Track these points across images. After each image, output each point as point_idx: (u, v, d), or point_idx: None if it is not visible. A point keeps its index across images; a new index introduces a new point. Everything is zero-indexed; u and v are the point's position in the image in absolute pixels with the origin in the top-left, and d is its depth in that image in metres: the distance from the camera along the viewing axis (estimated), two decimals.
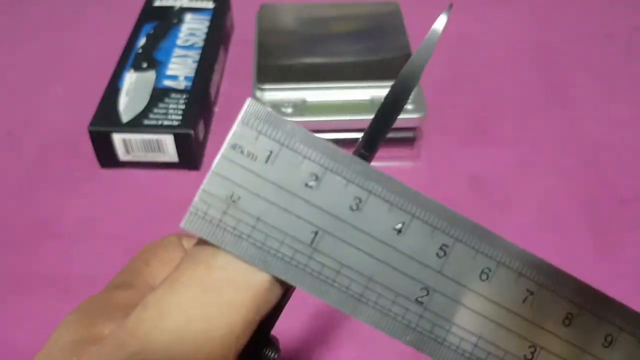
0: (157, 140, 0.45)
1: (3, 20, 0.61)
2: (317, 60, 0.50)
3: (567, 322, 0.18)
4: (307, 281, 0.17)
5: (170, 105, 0.46)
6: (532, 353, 0.18)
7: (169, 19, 0.55)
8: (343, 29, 0.54)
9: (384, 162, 0.44)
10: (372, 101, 0.46)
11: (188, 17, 0.55)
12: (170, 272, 0.17)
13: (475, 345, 0.18)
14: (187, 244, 0.22)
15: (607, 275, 0.40)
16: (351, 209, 0.17)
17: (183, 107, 0.46)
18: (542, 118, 0.51)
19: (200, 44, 0.52)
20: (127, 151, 0.46)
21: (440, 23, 0.19)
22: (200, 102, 0.47)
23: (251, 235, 0.17)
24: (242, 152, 0.17)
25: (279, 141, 0.17)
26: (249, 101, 0.17)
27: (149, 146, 0.45)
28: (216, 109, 0.52)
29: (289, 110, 0.46)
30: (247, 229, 0.17)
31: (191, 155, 0.46)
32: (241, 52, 0.56)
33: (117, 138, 0.45)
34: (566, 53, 0.58)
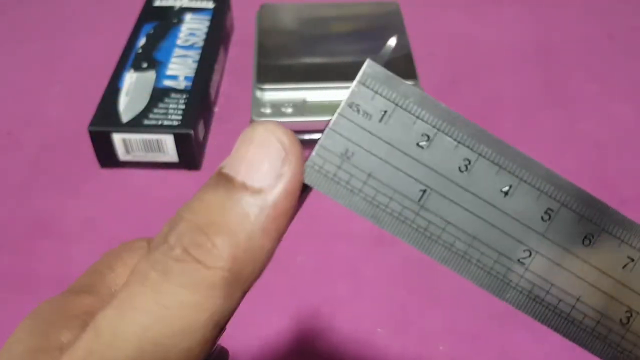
0: (157, 140, 0.45)
1: (3, 21, 0.61)
2: (317, 60, 0.50)
3: None
4: (413, 236, 0.18)
5: (170, 105, 0.46)
6: (628, 318, 0.18)
7: (169, 19, 0.55)
8: (343, 29, 0.54)
9: None
10: None
11: (188, 17, 0.55)
12: (121, 288, 0.17)
13: (573, 307, 0.18)
14: None
15: None
16: (460, 169, 0.18)
17: (183, 107, 0.46)
18: (542, 118, 0.51)
19: (200, 44, 0.52)
20: (127, 151, 0.46)
21: (392, 41, 0.19)
22: (200, 102, 0.47)
23: (362, 190, 0.18)
24: (357, 110, 0.18)
25: (394, 101, 0.18)
26: (367, 61, 0.18)
27: (149, 146, 0.45)
28: (216, 109, 0.52)
29: (289, 110, 0.46)
30: (359, 184, 0.18)
31: (191, 155, 0.46)
32: (241, 52, 0.56)
33: (117, 138, 0.45)
34: (566, 53, 0.58)
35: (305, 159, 0.18)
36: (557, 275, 0.18)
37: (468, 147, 0.18)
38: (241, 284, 0.17)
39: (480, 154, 0.18)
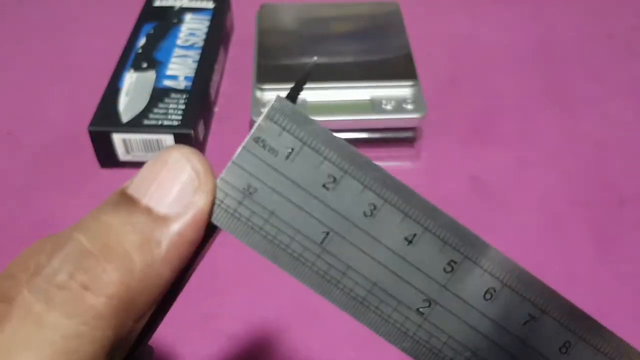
0: (157, 140, 0.45)
1: (2, 20, 0.61)
2: (318, 60, 0.50)
3: (563, 350, 0.18)
4: (312, 279, 0.18)
5: (170, 105, 0.46)
6: None
7: (169, 19, 0.55)
8: (343, 29, 0.54)
9: (383, 162, 0.44)
10: (372, 101, 0.46)
11: (188, 17, 0.55)
12: (3, 324, 0.15)
13: None
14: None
15: (608, 275, 0.40)
16: (365, 214, 0.17)
17: (183, 107, 0.46)
18: (542, 118, 0.51)
19: (200, 44, 0.52)
20: (127, 151, 0.46)
21: (313, 61, 0.19)
22: (200, 102, 0.47)
23: (263, 228, 0.17)
24: (264, 146, 0.17)
25: (302, 140, 0.17)
26: (276, 97, 0.17)
27: (149, 146, 0.45)
28: (216, 109, 0.52)
29: None
30: (260, 222, 0.17)
31: None
32: (241, 52, 0.56)
33: (117, 138, 0.45)
34: (566, 53, 0.58)
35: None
36: (456, 328, 0.18)
37: (374, 192, 0.17)
38: (133, 314, 0.16)
39: (385, 200, 0.17)
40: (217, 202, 0.17)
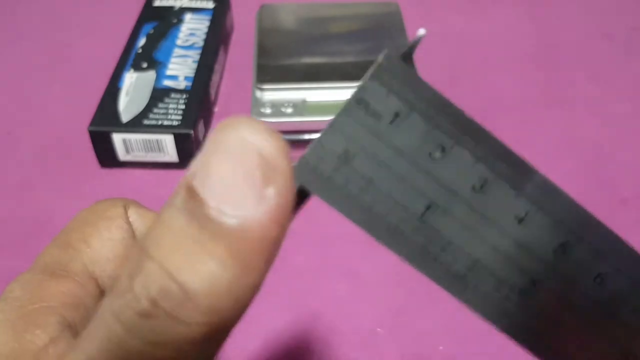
0: (157, 140, 0.45)
1: (1, 20, 0.61)
2: (317, 60, 0.50)
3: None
4: (409, 251, 0.16)
5: (170, 105, 0.46)
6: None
7: (169, 19, 0.55)
8: (343, 29, 0.54)
9: None
10: None
11: (188, 17, 0.55)
12: (84, 339, 0.14)
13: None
14: (135, 217, 0.19)
15: None
16: (473, 188, 0.16)
17: (183, 107, 0.46)
18: (542, 118, 0.51)
19: (200, 44, 0.52)
20: (127, 151, 0.46)
21: (422, 31, 0.17)
22: (200, 102, 0.47)
23: (359, 197, 0.16)
24: (366, 109, 0.15)
25: (410, 103, 0.15)
26: (385, 54, 0.15)
27: (149, 146, 0.45)
28: (216, 109, 0.52)
29: (289, 110, 0.46)
30: (356, 190, 0.16)
31: (191, 155, 0.46)
32: (241, 52, 0.56)
33: (117, 138, 0.45)
34: (566, 53, 0.57)
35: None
36: (563, 306, 0.17)
37: (486, 165, 0.16)
38: (224, 333, 0.14)
39: (499, 175, 0.16)
40: (311, 166, 0.15)
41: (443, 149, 0.16)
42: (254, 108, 0.46)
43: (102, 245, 0.18)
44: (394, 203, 0.16)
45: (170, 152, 0.45)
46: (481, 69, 0.56)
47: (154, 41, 0.52)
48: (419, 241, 0.16)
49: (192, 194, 0.14)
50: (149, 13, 0.55)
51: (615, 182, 0.46)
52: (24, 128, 0.50)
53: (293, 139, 0.47)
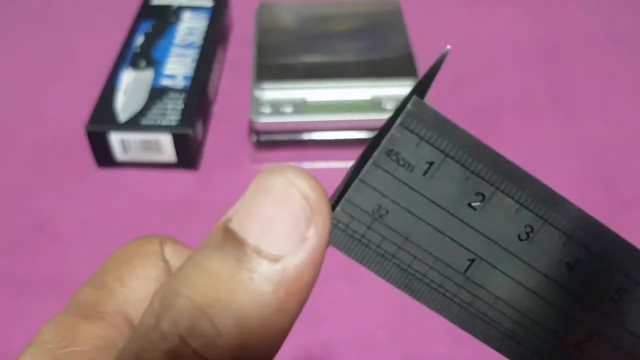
0: (155, 140, 0.44)
1: None
2: (317, 59, 0.50)
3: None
4: (454, 311, 0.16)
5: (169, 105, 0.46)
6: None
7: (167, 17, 0.54)
8: (343, 27, 0.53)
9: None
10: (372, 100, 0.46)
11: (186, 15, 0.55)
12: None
13: None
14: (172, 255, 0.19)
15: None
16: (520, 238, 0.15)
17: (181, 106, 0.46)
18: (544, 118, 0.51)
19: (199, 42, 0.52)
20: (125, 151, 0.45)
21: (446, 50, 0.16)
22: (199, 101, 0.47)
23: (396, 256, 0.15)
24: (397, 160, 0.14)
25: (444, 151, 0.14)
26: (413, 99, 0.14)
27: (146, 146, 0.45)
28: (215, 109, 0.51)
29: (289, 109, 0.46)
30: (392, 248, 0.15)
31: (190, 155, 0.45)
32: (240, 51, 0.55)
33: (115, 138, 0.44)
34: (568, 53, 0.57)
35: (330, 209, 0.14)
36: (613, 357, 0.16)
37: (532, 210, 0.15)
38: None
39: (546, 220, 0.15)
40: (342, 226, 0.15)
41: (483, 197, 0.15)
42: (253, 107, 0.46)
43: (137, 284, 0.17)
44: (434, 260, 0.15)
45: (168, 152, 0.45)
46: (484, 68, 0.55)
47: (152, 40, 0.52)
48: (465, 299, 0.15)
49: (229, 234, 0.14)
50: (147, 11, 0.55)
51: (619, 182, 0.46)
52: (21, 127, 0.50)
53: (293, 138, 0.46)
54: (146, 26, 0.53)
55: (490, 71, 0.55)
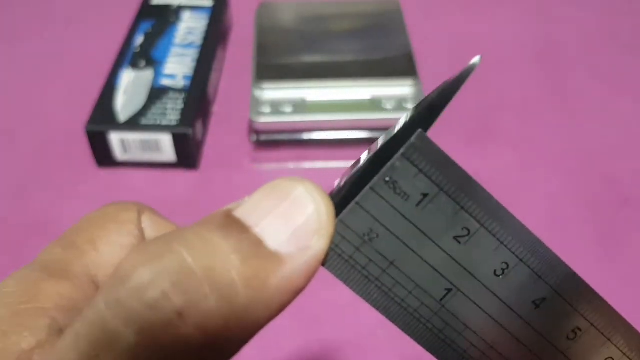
0: (155, 140, 0.44)
1: None
2: (317, 58, 0.50)
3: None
4: (424, 336, 0.16)
5: (168, 105, 0.46)
6: None
7: (167, 17, 0.54)
8: (343, 27, 0.53)
9: None
10: (372, 100, 0.46)
11: (186, 15, 0.55)
12: (77, 325, 0.13)
13: None
14: (149, 225, 0.18)
15: (614, 276, 0.39)
16: (495, 273, 0.16)
17: (181, 106, 0.45)
18: (545, 117, 0.51)
19: (199, 42, 0.52)
20: (125, 151, 0.45)
21: (476, 59, 0.16)
22: (199, 101, 0.47)
23: (379, 279, 0.16)
24: (394, 188, 0.15)
25: (439, 184, 0.15)
26: (418, 133, 0.15)
27: (146, 146, 0.45)
28: (215, 108, 0.51)
29: (289, 109, 0.46)
30: (377, 271, 0.15)
31: (189, 155, 0.45)
32: (240, 51, 0.55)
33: (115, 138, 0.44)
34: (569, 52, 0.57)
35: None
36: None
37: (510, 250, 0.16)
38: (222, 355, 0.14)
39: (521, 260, 0.16)
40: (332, 246, 0.15)
41: (468, 232, 0.15)
42: (253, 107, 0.46)
43: (109, 249, 0.17)
44: (414, 286, 0.16)
45: (168, 152, 0.45)
46: (483, 67, 0.55)
47: (151, 39, 0.52)
48: (436, 325, 0.16)
49: (232, 220, 0.14)
50: (147, 11, 0.55)
51: (620, 181, 0.46)
52: (20, 127, 0.50)
53: (293, 138, 0.46)
54: (146, 26, 0.53)
55: (490, 71, 0.55)
